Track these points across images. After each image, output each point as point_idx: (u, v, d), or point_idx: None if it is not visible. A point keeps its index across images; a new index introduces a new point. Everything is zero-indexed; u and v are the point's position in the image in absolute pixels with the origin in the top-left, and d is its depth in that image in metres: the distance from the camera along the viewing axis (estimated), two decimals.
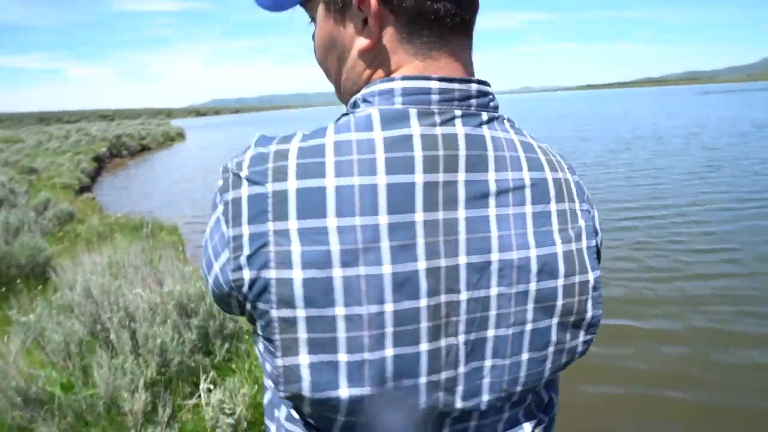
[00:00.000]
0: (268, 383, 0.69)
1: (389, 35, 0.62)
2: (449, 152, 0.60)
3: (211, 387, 2.91)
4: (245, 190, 0.58)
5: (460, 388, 0.62)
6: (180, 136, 46.44)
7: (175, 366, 3.14)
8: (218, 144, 37.67)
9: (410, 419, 0.62)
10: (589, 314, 0.67)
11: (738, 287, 5.46)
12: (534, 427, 0.71)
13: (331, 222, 0.55)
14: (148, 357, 3.10)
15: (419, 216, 0.58)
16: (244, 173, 0.58)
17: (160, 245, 6.47)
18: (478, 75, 0.67)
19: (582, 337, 0.68)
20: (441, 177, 0.59)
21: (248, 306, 0.59)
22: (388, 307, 0.57)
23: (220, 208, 0.59)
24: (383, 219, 0.56)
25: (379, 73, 0.64)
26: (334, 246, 0.55)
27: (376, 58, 0.64)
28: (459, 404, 0.63)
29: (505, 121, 0.67)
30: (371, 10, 0.60)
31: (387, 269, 0.56)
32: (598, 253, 0.69)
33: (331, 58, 0.69)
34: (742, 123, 24.89)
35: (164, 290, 3.30)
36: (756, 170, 11.71)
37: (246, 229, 0.57)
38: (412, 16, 0.60)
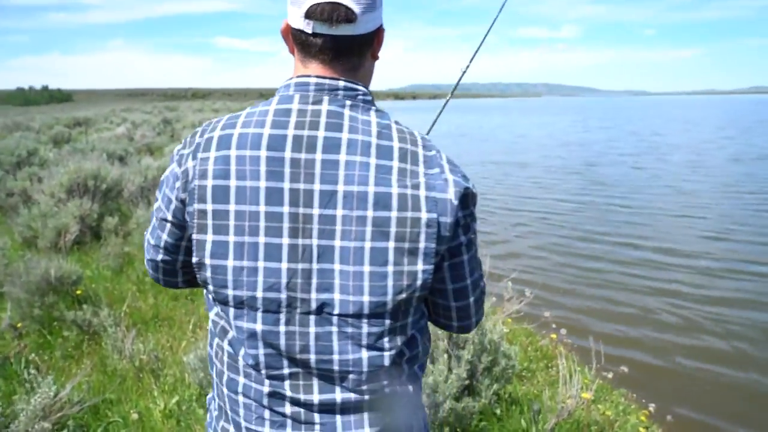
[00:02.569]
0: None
1: (296, 54, 0.99)
2: (314, 119, 0.92)
3: None
4: (188, 144, 0.97)
5: (314, 281, 0.90)
6: None
7: (444, 412, 2.46)
8: (418, 128, 38.09)
9: (277, 304, 0.92)
10: (422, 245, 0.90)
11: None
12: (395, 355, 0.95)
13: (232, 152, 0.90)
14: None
15: (288, 154, 0.90)
16: (197, 135, 0.97)
17: None
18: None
19: (420, 265, 0.91)
20: (306, 132, 0.90)
21: (183, 207, 0.95)
22: (262, 208, 0.89)
23: (181, 151, 0.97)
24: (263, 153, 0.90)
25: (294, 74, 0.99)
26: (232, 166, 0.90)
27: (294, 67, 1.01)
28: (314, 294, 0.91)
29: (372, 110, 0.96)
30: (289, 42, 1.00)
31: (263, 184, 0.89)
32: (462, 203, 0.92)
33: None
34: None
35: None
36: None
37: (190, 162, 0.94)
38: (300, 46, 0.97)
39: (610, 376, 3.40)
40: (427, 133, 1.46)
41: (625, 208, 9.88)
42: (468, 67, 1.84)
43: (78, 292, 4.31)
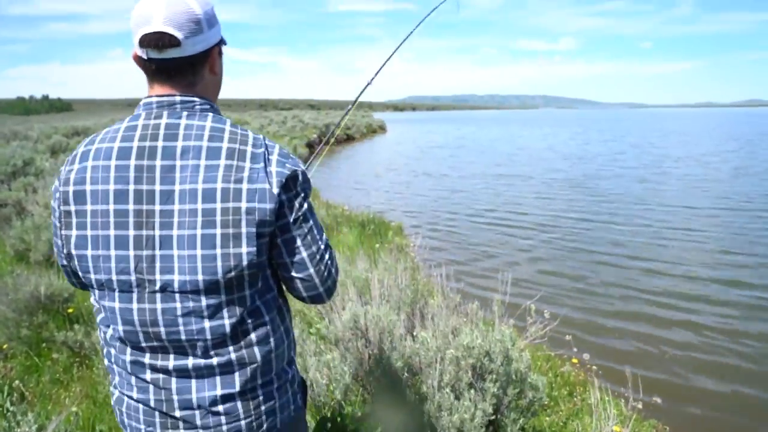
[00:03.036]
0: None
1: (146, 78, 1.18)
2: (154, 131, 1.11)
3: None
4: (62, 172, 1.15)
5: (158, 265, 1.09)
6: (381, 128, 47.91)
7: None
8: (416, 139, 37.96)
9: (128, 284, 1.11)
10: (244, 230, 1.08)
11: None
12: (236, 323, 1.13)
13: (89, 163, 1.10)
14: None
15: (132, 162, 1.09)
16: (74, 151, 1.18)
17: (397, 251, 5.78)
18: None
19: (245, 248, 1.09)
20: (148, 143, 1.10)
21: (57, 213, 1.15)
22: (111, 207, 1.08)
23: (59, 177, 1.16)
24: (113, 162, 1.09)
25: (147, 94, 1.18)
26: (88, 174, 1.09)
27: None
28: (158, 276, 1.09)
29: (209, 116, 1.15)
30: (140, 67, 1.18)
31: (112, 187, 1.08)
32: (289, 187, 1.13)
33: None
34: None
35: (461, 340, 2.38)
36: None
37: (63, 174, 1.14)
38: (143, 70, 1.16)
39: (639, 405, 3.16)
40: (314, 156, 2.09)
41: (637, 226, 9.64)
42: (377, 73, 2.01)
43: (69, 310, 4.06)
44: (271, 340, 1.19)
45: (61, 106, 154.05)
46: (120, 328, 1.14)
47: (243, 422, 1.18)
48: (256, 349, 1.17)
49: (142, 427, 1.20)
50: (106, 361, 1.26)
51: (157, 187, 1.08)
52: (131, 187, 1.08)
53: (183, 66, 1.14)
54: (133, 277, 1.10)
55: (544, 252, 7.88)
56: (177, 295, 1.10)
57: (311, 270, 1.19)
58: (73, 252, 1.12)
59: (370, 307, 2.71)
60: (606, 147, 28.42)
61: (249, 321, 1.16)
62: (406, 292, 3.26)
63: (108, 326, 1.18)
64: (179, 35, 1.08)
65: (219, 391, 1.15)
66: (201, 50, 1.14)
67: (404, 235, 7.47)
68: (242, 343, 1.15)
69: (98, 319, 1.23)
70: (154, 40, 1.08)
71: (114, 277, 1.11)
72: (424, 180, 16.18)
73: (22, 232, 5.68)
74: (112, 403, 1.27)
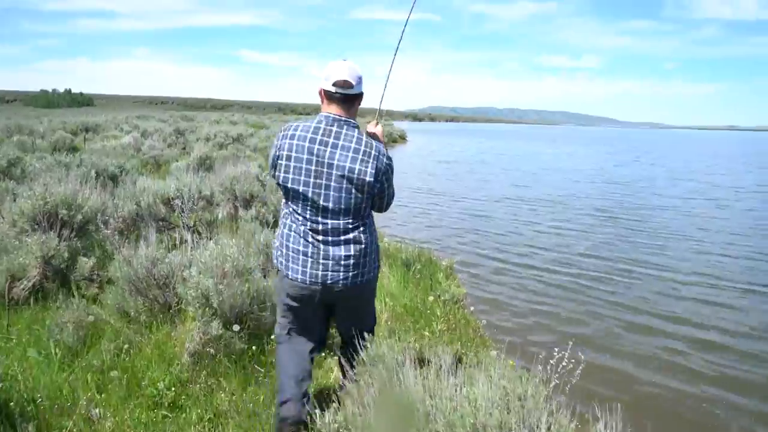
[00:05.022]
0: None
1: (324, 102, 2.63)
2: (328, 131, 2.56)
3: None
4: (280, 135, 2.64)
5: (322, 193, 2.53)
6: (402, 138, 46.58)
7: None
8: (436, 152, 36.49)
9: (306, 198, 2.56)
10: (366, 188, 2.55)
11: None
12: (358, 235, 2.61)
13: (294, 141, 2.57)
14: None
15: (315, 144, 2.54)
16: (281, 131, 2.65)
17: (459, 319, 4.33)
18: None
19: (365, 194, 2.57)
20: (323, 137, 2.55)
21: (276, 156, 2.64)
22: (302, 163, 2.54)
23: (281, 132, 2.66)
24: (306, 143, 2.55)
25: (323, 110, 2.63)
26: (295, 142, 2.57)
27: (322, 106, 2.65)
28: (321, 202, 2.54)
29: (355, 130, 2.59)
30: (321, 96, 2.63)
31: (304, 155, 2.54)
32: (385, 172, 2.61)
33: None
34: None
35: None
36: None
37: (278, 142, 2.63)
38: (327, 99, 2.60)
39: None
40: None
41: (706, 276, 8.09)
42: (386, 87, 3.05)
43: None
44: (369, 232, 2.68)
45: (83, 101, 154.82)
46: (299, 218, 2.60)
47: (352, 273, 2.62)
48: (363, 236, 2.63)
49: (299, 267, 2.61)
50: (285, 230, 2.67)
51: (326, 160, 2.51)
52: (313, 157, 2.52)
53: (350, 99, 2.60)
54: (309, 193, 2.54)
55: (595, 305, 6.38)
56: (329, 210, 2.54)
57: (385, 201, 2.72)
58: (281, 176, 2.59)
59: None
60: (646, 170, 26.76)
61: (367, 222, 2.68)
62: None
63: (289, 215, 2.65)
64: (354, 83, 2.55)
65: (343, 253, 2.58)
66: (359, 92, 2.63)
67: (455, 278, 6.02)
68: (358, 231, 2.62)
69: (284, 209, 2.70)
70: (342, 83, 2.53)
71: (301, 189, 2.54)
72: (463, 203, 14.72)
73: None
74: (282, 254, 2.69)
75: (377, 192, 2.59)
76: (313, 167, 2.49)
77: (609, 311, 6.12)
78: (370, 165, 2.51)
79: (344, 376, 2.77)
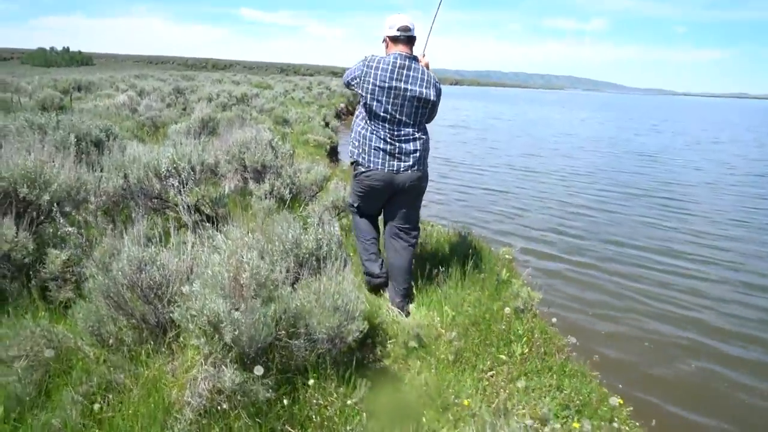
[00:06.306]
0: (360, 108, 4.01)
1: (390, 45, 3.86)
2: (402, 65, 3.74)
3: None
4: (365, 61, 3.84)
5: (398, 109, 3.75)
6: None
7: None
8: (441, 117, 34.97)
9: (388, 113, 3.77)
10: (429, 105, 3.83)
11: None
12: (421, 136, 3.87)
13: (379, 70, 3.74)
14: None
15: (395, 73, 3.73)
16: (365, 61, 3.82)
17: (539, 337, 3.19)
18: None
19: (427, 109, 3.84)
20: (399, 69, 3.73)
21: (361, 76, 3.85)
22: (384, 84, 3.72)
23: (364, 61, 3.83)
24: (387, 72, 3.72)
25: (389, 51, 3.87)
26: (379, 71, 3.74)
27: (388, 48, 3.90)
28: (397, 115, 3.76)
29: (418, 62, 3.83)
30: (387, 41, 3.89)
31: (384, 80, 3.72)
32: (439, 93, 3.86)
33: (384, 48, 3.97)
34: None
35: None
36: None
37: (364, 67, 3.83)
38: (393, 42, 3.84)
39: None
40: None
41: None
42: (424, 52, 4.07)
43: None
44: (426, 138, 3.89)
45: (82, 59, 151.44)
46: (381, 126, 3.77)
47: (417, 164, 3.82)
48: (424, 137, 3.87)
49: (379, 160, 3.79)
50: (367, 133, 3.83)
51: (401, 85, 3.67)
52: (393, 83, 3.67)
53: (411, 39, 3.77)
54: (389, 115, 3.71)
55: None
56: (403, 122, 3.75)
57: (434, 116, 3.94)
58: (367, 95, 3.73)
59: None
60: (667, 139, 25.35)
61: (425, 135, 3.88)
62: None
63: (371, 124, 3.80)
64: (411, 27, 3.74)
65: (412, 148, 3.79)
66: (414, 35, 3.78)
67: (518, 275, 4.87)
68: (421, 134, 3.85)
69: (360, 122, 3.90)
70: (404, 28, 3.71)
71: (381, 110, 3.71)
72: (483, 176, 13.48)
73: None
74: (364, 152, 3.85)
75: (432, 107, 3.86)
76: (393, 91, 3.70)
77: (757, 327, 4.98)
78: (432, 88, 3.78)
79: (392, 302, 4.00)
